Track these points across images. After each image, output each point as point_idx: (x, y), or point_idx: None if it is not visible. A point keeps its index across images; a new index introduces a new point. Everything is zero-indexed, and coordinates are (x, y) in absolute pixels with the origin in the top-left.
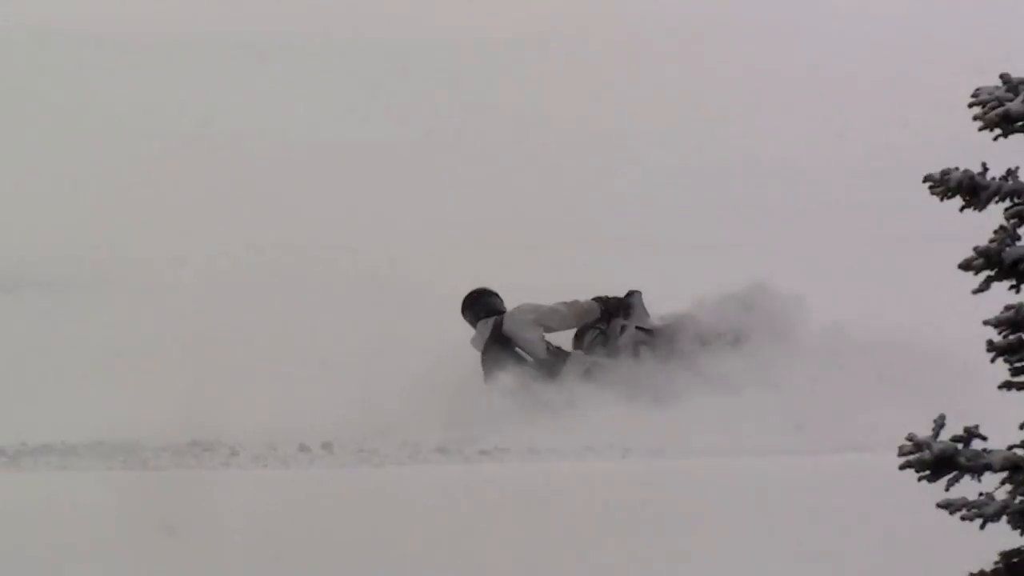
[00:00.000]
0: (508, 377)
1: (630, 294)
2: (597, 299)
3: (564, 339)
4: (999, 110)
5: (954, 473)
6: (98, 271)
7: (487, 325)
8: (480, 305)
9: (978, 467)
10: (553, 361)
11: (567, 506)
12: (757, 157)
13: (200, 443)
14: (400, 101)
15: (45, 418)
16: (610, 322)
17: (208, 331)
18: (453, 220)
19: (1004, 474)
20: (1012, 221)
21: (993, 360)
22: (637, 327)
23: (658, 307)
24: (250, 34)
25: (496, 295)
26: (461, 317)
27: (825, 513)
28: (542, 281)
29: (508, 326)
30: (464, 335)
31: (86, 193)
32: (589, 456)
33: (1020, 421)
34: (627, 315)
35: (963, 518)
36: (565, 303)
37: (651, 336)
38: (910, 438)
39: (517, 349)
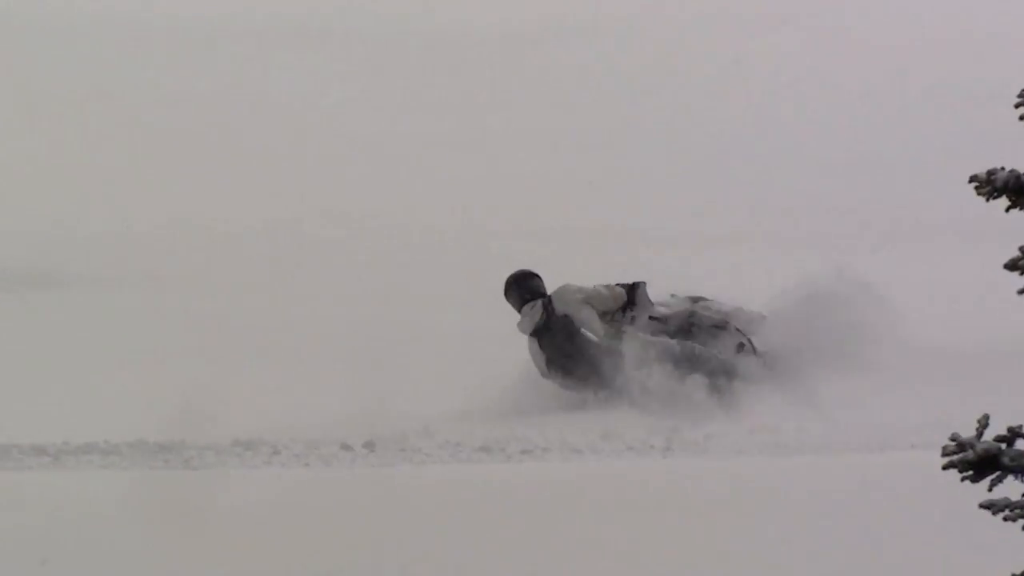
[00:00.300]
0: (572, 362)
1: (635, 285)
2: (619, 286)
3: None
4: None
5: (997, 473)
6: (136, 267)
7: (535, 308)
8: (524, 287)
9: (1021, 467)
10: (612, 339)
11: (608, 505)
12: (798, 149)
13: (242, 442)
14: (438, 89)
15: (87, 417)
16: (625, 312)
17: (249, 329)
18: (488, 208)
19: None
20: None
21: None
22: (650, 316)
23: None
24: (297, 19)
25: (538, 276)
26: (496, 311)
27: (866, 512)
28: (567, 269)
29: (561, 307)
30: (503, 327)
31: (118, 191)
32: (629, 455)
33: None
34: (632, 305)
35: (1006, 519)
36: (605, 286)
37: (665, 324)
38: (953, 438)
39: (583, 330)
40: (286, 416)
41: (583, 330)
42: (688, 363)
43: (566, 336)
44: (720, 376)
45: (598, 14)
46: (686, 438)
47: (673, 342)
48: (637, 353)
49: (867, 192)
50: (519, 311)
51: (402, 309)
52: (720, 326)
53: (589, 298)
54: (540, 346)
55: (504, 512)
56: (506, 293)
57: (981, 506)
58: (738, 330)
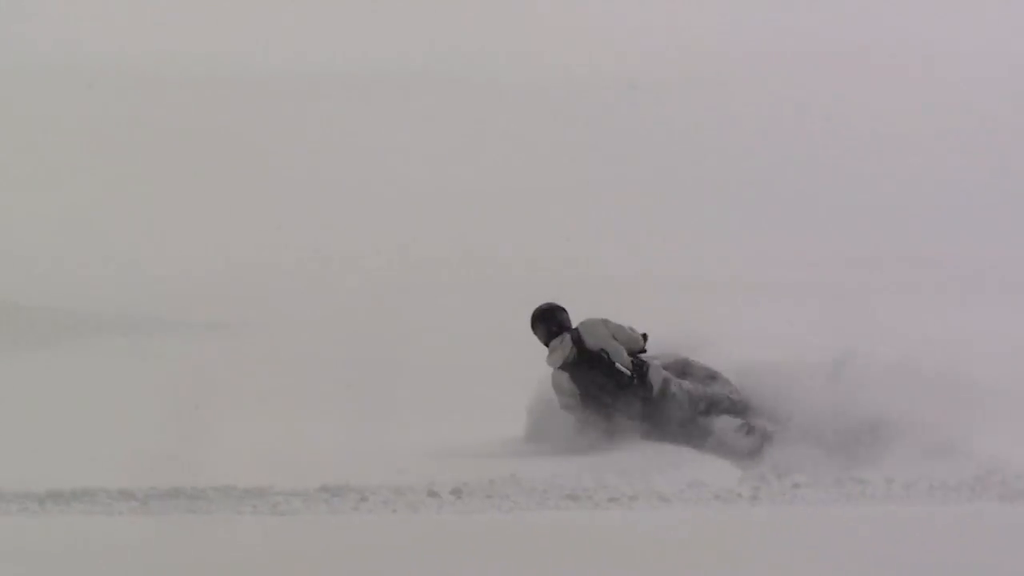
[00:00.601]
0: (608, 395)
1: (643, 334)
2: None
3: None
4: None
5: None
6: (225, 311)
7: (564, 341)
8: (552, 320)
9: None
10: (639, 372)
11: (696, 554)
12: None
13: (329, 488)
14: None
15: (174, 462)
16: (635, 357)
17: (335, 375)
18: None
19: None
20: None
21: None
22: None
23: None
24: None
25: (564, 310)
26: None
27: (956, 562)
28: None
29: (592, 340)
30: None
31: (186, 236)
32: (716, 504)
33: None
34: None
35: None
36: (628, 326)
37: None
38: None
39: (617, 365)
40: (373, 462)
41: (617, 365)
42: (705, 402)
43: (602, 369)
44: (744, 415)
45: (654, 70)
46: (773, 488)
47: (686, 382)
48: (661, 387)
49: (918, 239)
50: (546, 344)
51: (497, 359)
52: (712, 376)
53: (615, 332)
54: (572, 379)
55: (592, 561)
56: (533, 327)
57: None
58: (728, 380)
